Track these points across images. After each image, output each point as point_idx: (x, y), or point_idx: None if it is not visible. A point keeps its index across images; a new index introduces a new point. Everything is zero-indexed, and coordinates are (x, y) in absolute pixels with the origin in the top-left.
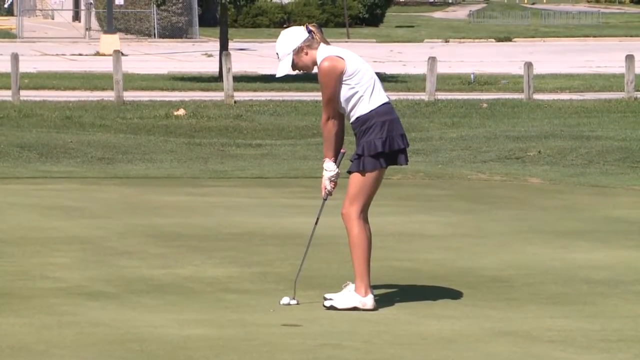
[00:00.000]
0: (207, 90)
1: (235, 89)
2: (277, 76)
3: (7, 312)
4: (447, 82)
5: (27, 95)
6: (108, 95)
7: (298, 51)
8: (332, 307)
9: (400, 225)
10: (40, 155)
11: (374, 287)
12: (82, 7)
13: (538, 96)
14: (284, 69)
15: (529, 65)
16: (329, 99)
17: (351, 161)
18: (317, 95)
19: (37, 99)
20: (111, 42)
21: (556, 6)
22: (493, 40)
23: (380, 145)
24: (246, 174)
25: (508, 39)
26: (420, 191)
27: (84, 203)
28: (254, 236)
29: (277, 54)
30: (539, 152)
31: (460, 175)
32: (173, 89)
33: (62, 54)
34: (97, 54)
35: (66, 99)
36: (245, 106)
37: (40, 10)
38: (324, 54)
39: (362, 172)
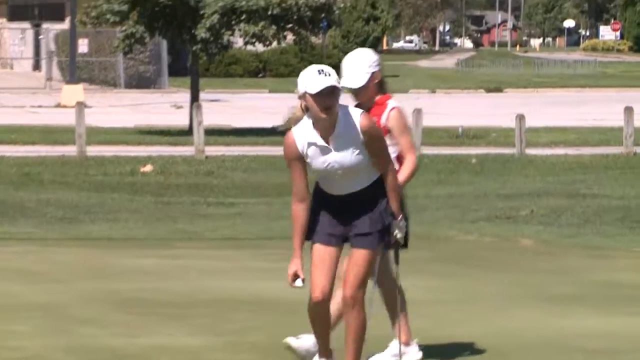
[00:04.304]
0: (176, 144)
1: (207, 143)
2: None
3: None
4: (433, 135)
5: None
6: (70, 151)
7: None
8: None
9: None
10: None
11: None
12: (43, 55)
13: (531, 151)
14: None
15: (520, 118)
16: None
17: (364, 235)
18: None
19: None
20: (74, 92)
21: (550, 55)
22: (482, 90)
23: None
24: (218, 235)
25: (499, 90)
26: (401, 254)
27: (43, 266)
28: (227, 302)
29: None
30: (532, 211)
31: (447, 236)
32: (140, 144)
33: (21, 106)
34: (59, 105)
35: (25, 154)
36: (217, 162)
37: None
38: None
39: (379, 248)
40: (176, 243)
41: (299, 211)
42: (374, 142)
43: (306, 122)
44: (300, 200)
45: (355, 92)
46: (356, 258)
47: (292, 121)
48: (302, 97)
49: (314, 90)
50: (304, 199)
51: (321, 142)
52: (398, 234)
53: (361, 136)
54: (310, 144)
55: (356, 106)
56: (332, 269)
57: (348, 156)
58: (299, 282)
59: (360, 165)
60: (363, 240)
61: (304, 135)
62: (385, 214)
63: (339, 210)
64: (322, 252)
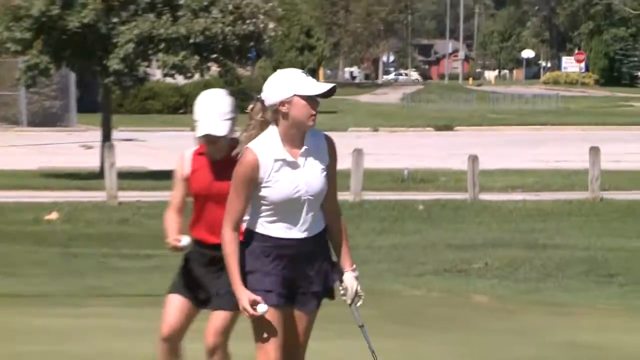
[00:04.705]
0: (86, 189)
1: (120, 188)
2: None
3: None
4: (376, 179)
5: None
6: None
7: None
8: None
9: (320, 353)
10: None
11: None
12: None
13: (485, 196)
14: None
15: (473, 159)
16: None
17: (313, 294)
18: None
19: None
20: None
21: (506, 88)
22: (431, 128)
23: None
24: (133, 290)
25: (449, 128)
26: (342, 311)
27: None
28: None
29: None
30: (486, 264)
31: (391, 291)
32: (44, 188)
33: None
34: None
35: None
36: (132, 208)
37: None
38: None
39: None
40: (86, 300)
41: (235, 238)
42: (333, 166)
43: (270, 137)
44: (236, 228)
45: (214, 141)
46: (304, 322)
47: (247, 140)
48: (286, 103)
49: (315, 91)
50: (238, 229)
51: (290, 157)
52: (358, 286)
53: (327, 156)
54: (277, 161)
55: (202, 154)
56: (282, 339)
57: (317, 176)
58: (262, 308)
59: (323, 193)
60: (312, 301)
61: (269, 151)
62: (331, 271)
63: (285, 262)
64: (274, 317)
